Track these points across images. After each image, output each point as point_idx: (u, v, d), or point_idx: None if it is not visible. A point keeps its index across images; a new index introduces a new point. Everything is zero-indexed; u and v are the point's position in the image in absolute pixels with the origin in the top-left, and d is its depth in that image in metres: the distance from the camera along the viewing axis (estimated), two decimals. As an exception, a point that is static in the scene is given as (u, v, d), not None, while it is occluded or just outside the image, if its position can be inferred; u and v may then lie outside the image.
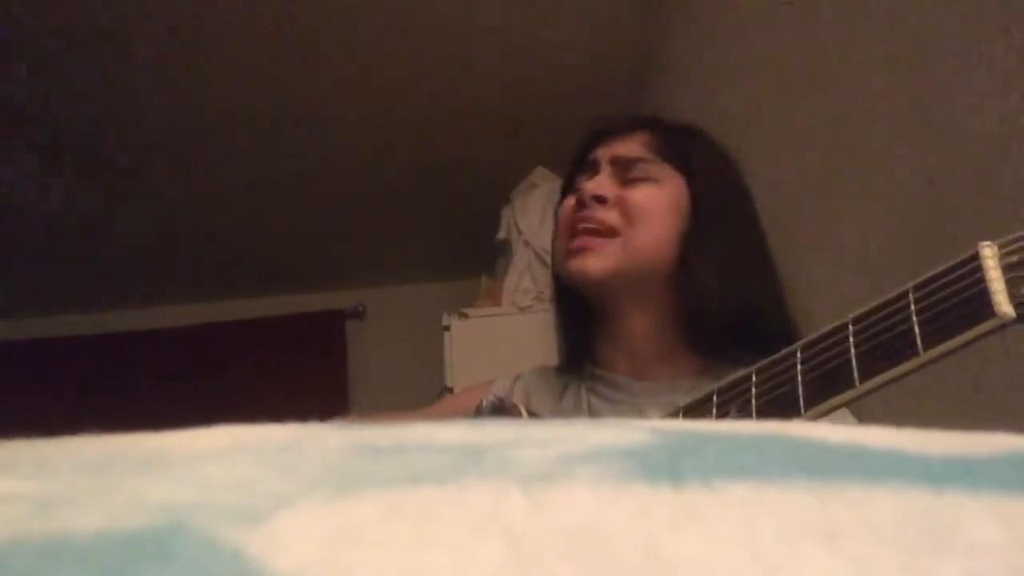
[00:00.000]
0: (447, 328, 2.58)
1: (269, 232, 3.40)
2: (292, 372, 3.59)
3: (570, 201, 0.91)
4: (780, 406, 0.50)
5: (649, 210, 0.88)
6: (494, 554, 0.15)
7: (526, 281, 2.63)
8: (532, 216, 2.72)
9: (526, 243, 2.68)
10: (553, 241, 0.95)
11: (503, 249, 2.85)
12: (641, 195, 0.88)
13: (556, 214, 0.95)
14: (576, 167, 0.95)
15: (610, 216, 0.87)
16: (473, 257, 3.18)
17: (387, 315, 3.79)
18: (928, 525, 0.16)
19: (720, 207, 0.91)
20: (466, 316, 2.59)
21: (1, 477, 0.17)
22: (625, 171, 0.90)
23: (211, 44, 2.39)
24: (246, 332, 3.68)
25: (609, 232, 0.87)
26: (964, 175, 0.91)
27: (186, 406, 3.22)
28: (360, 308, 3.80)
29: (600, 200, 0.88)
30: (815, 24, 1.32)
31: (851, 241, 1.19)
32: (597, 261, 0.86)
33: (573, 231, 0.89)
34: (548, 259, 2.56)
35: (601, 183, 0.89)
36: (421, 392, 2.76)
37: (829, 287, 1.28)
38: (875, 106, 1.12)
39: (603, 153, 0.92)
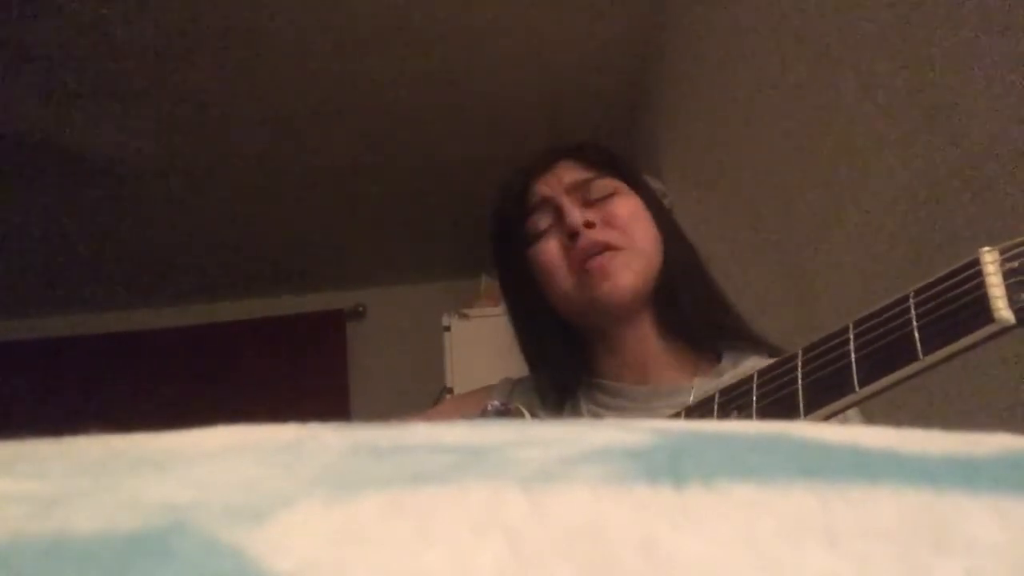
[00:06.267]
0: (447, 328, 2.58)
1: (269, 232, 3.40)
2: (292, 372, 3.60)
3: (552, 244, 0.87)
4: (780, 410, 0.50)
5: (636, 216, 0.87)
6: (495, 554, 0.15)
7: (526, 281, 2.63)
8: (532, 216, 2.71)
9: (526, 243, 2.68)
10: (551, 283, 0.88)
11: (503, 249, 2.84)
12: (621, 206, 0.87)
13: (531, 260, 0.89)
14: (516, 213, 0.91)
15: (607, 235, 0.85)
16: (473, 257, 3.18)
17: (387, 315, 3.80)
18: (928, 525, 0.16)
19: (659, 205, 0.92)
20: (466, 316, 2.59)
21: (1, 477, 0.17)
22: (585, 194, 0.88)
23: (211, 45, 2.39)
24: (246, 332, 3.68)
25: (615, 249, 0.85)
26: (965, 176, 0.91)
27: (186, 406, 3.23)
28: (360, 308, 3.80)
29: (589, 225, 0.85)
30: (816, 25, 1.32)
31: (851, 241, 1.19)
32: (625, 276, 0.84)
33: (577, 263, 0.85)
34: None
35: (576, 211, 0.85)
36: (421, 392, 2.76)
37: (829, 287, 1.28)
38: (876, 107, 1.12)
39: (546, 189, 0.89)
